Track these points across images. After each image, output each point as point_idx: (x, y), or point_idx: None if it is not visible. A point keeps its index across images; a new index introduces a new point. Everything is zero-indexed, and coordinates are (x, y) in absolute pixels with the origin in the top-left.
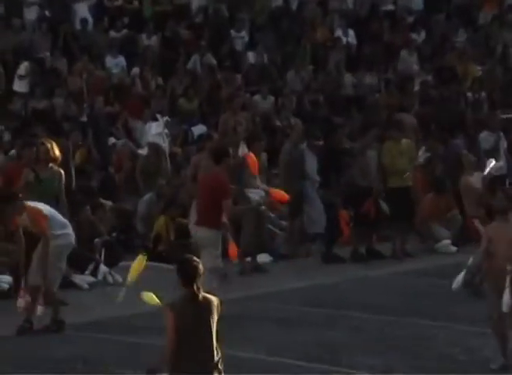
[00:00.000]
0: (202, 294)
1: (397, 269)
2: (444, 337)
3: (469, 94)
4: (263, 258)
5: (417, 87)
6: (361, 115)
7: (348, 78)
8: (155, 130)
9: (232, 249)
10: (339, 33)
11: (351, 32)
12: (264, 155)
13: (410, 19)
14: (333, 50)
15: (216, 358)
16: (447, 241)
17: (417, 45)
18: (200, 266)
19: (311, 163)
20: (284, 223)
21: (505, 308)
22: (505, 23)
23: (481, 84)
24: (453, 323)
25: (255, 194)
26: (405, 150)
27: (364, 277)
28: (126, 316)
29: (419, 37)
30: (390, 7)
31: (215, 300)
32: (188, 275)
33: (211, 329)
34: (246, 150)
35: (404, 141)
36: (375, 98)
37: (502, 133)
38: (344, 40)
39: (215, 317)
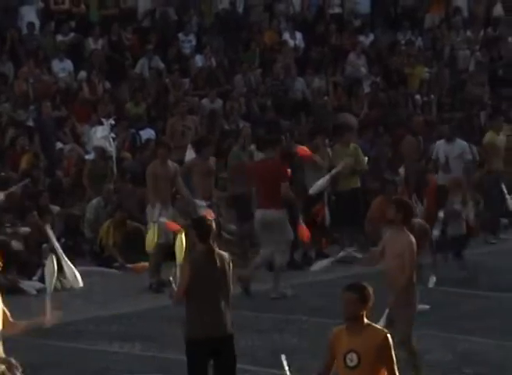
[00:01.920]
0: (216, 249)
1: (346, 273)
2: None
3: (417, 97)
4: None
5: (367, 90)
6: (309, 118)
7: (296, 81)
8: (101, 134)
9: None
10: (286, 36)
11: (299, 35)
12: (212, 160)
13: (358, 23)
14: (281, 53)
15: (230, 305)
16: None
17: (365, 48)
18: (214, 224)
19: None
20: (233, 227)
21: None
22: (452, 25)
23: (429, 87)
24: None
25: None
26: (353, 153)
27: (314, 281)
28: (73, 321)
29: (367, 39)
30: (337, 10)
31: (227, 255)
32: (204, 231)
33: (226, 278)
34: (193, 154)
35: (352, 144)
36: (324, 102)
37: (461, 143)
38: (292, 43)
39: (230, 269)
